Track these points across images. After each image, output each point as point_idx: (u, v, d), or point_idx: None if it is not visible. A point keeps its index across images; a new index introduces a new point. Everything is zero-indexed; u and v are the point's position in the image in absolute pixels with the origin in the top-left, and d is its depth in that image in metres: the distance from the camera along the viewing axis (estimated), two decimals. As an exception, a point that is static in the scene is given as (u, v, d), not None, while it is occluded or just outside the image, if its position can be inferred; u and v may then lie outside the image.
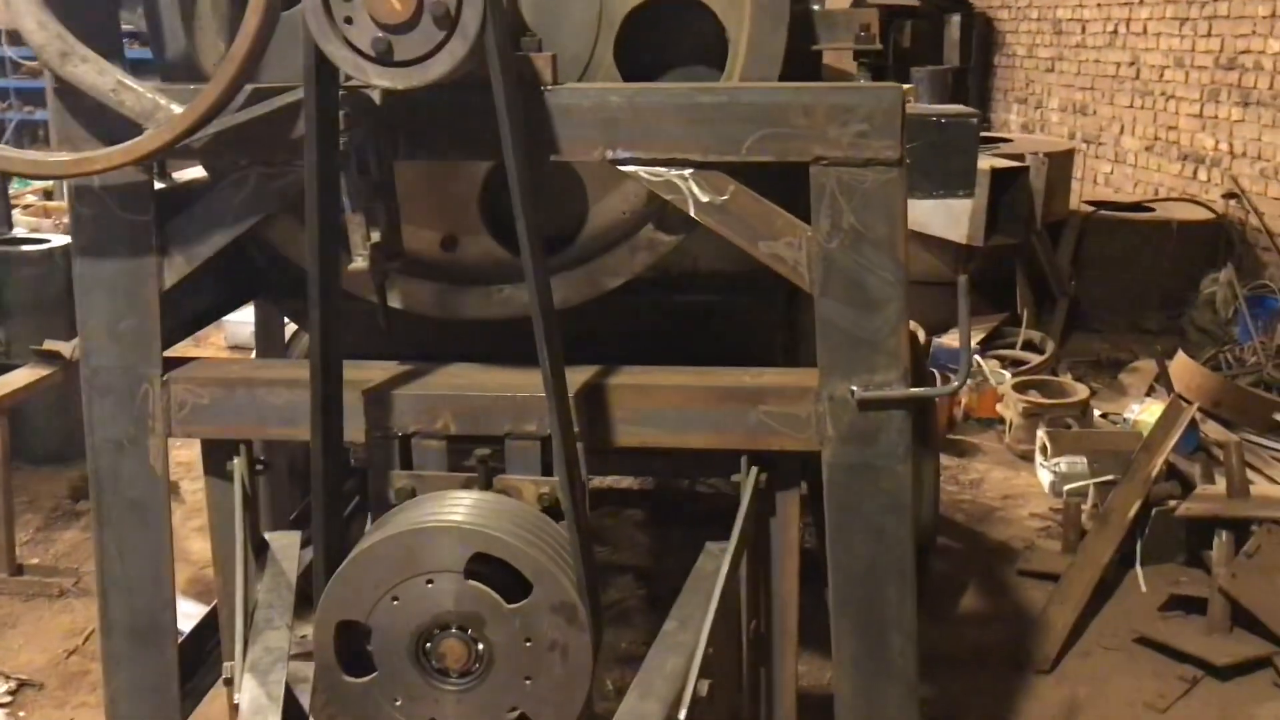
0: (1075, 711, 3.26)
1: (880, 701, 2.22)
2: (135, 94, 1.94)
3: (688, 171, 2.00)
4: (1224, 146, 7.56)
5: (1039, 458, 4.88)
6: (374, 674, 2.00)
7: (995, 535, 4.43)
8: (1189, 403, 4.51)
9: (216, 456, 2.29)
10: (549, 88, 1.98)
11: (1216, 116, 7.49)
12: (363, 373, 2.18)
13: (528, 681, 1.98)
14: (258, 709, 1.94)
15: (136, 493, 2.25)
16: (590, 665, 1.97)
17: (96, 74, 1.94)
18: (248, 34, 1.85)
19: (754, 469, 2.18)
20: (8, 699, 3.32)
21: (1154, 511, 3.94)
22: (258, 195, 2.09)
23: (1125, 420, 5.22)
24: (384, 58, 1.74)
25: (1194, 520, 3.87)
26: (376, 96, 1.97)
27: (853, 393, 2.08)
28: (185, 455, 4.80)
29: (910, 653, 2.21)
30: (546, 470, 2.11)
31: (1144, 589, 3.86)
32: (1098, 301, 7.07)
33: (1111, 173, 8.71)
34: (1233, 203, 7.34)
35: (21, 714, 3.27)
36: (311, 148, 1.82)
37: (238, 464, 2.25)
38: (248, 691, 1.97)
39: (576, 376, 2.14)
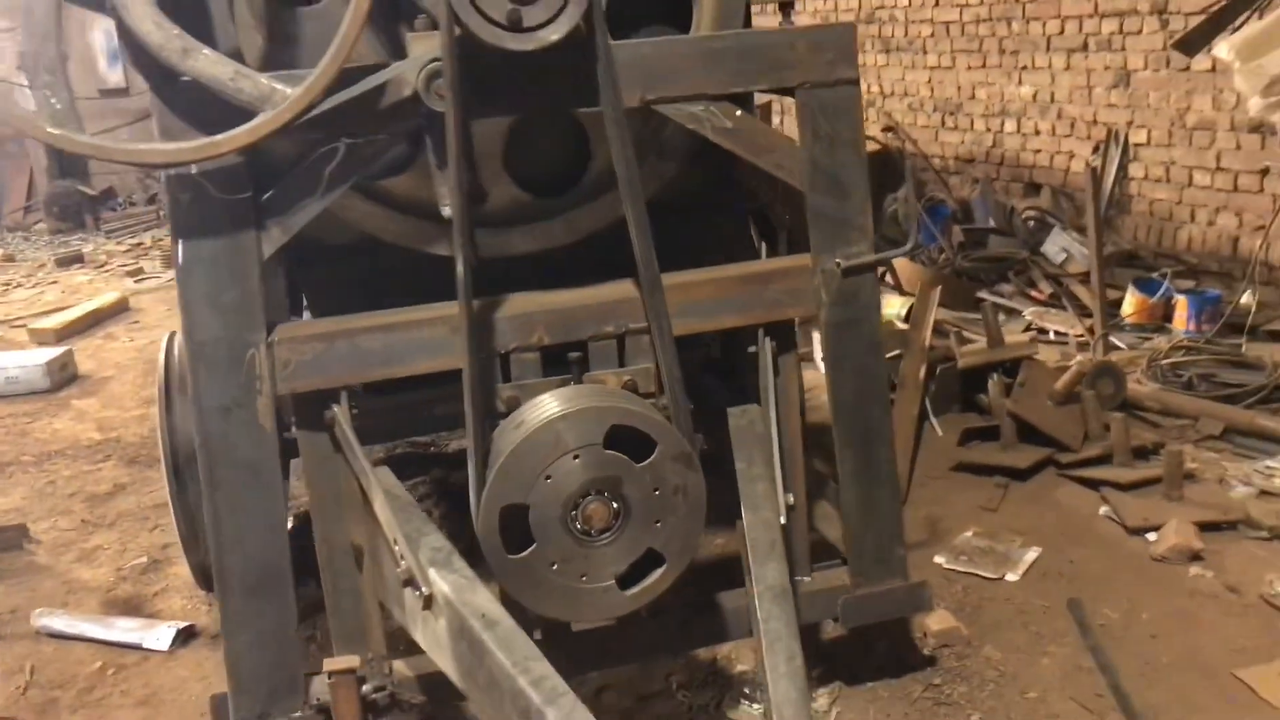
0: (936, 522, 4.10)
1: (873, 497, 2.87)
2: (252, 81, 2.18)
3: (704, 106, 2.52)
4: (875, 88, 8.94)
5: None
6: (533, 546, 2.38)
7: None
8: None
9: (309, 410, 2.52)
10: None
11: (865, 64, 8.84)
12: (451, 308, 2.50)
13: (658, 524, 2.44)
14: (461, 587, 2.26)
15: (247, 453, 2.44)
16: (704, 500, 2.46)
17: (215, 66, 2.16)
18: (357, 17, 2.16)
19: (768, 339, 2.75)
20: (-10, 739, 3.25)
21: (939, 370, 4.89)
22: (345, 166, 2.37)
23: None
24: (515, 25, 2.12)
25: (970, 370, 4.87)
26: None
27: (838, 264, 2.70)
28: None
29: (890, 457, 2.88)
30: (620, 363, 2.57)
31: (940, 433, 4.81)
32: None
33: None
34: (890, 134, 8.73)
35: (14, 748, 3.22)
36: (454, 110, 2.16)
37: (339, 410, 2.50)
38: (443, 580, 2.28)
39: (624, 287, 2.61)
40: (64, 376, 6.66)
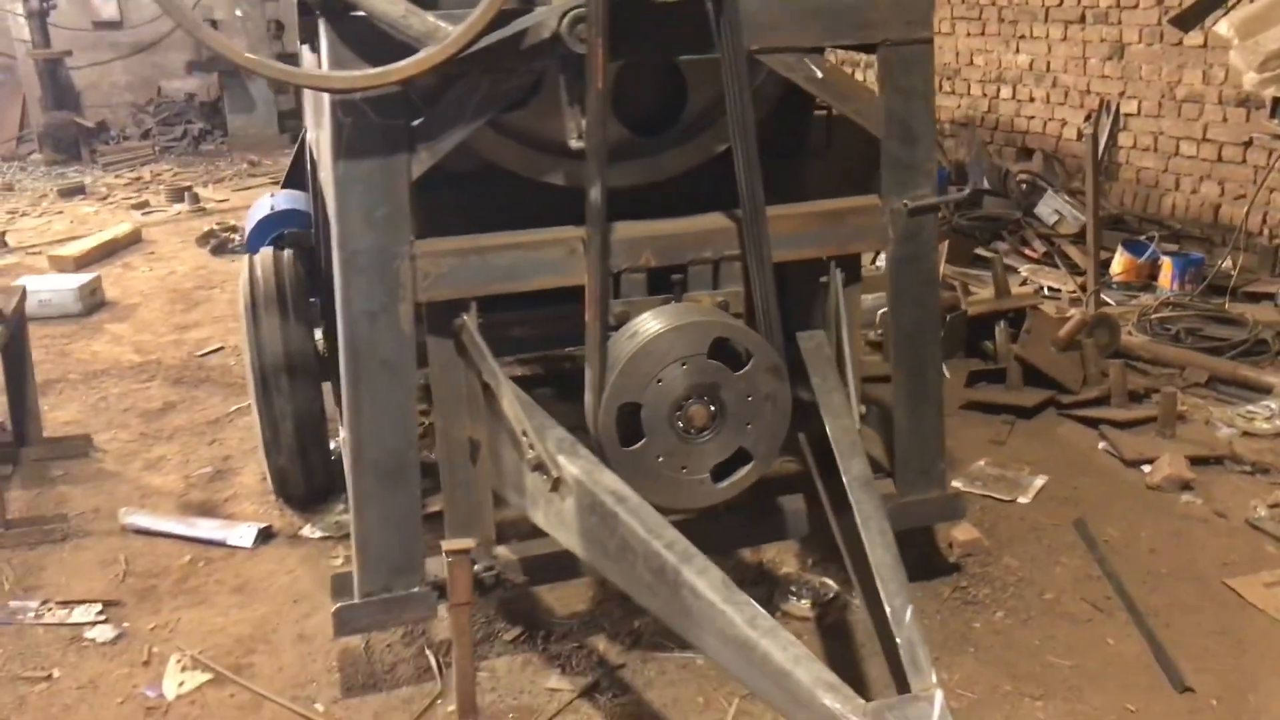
0: (950, 453, 4.44)
1: (922, 415, 3.22)
2: (420, 18, 2.45)
3: (799, 57, 2.83)
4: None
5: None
6: (643, 440, 2.71)
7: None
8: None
9: (439, 318, 2.81)
10: (707, 0, 2.72)
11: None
12: (572, 231, 2.80)
13: (749, 426, 2.78)
14: (589, 469, 2.58)
15: (388, 353, 2.74)
16: (790, 408, 2.81)
17: (388, 4, 2.43)
18: (513, -35, 2.44)
19: (838, 270, 3.08)
20: (100, 617, 3.53)
21: (947, 319, 5.26)
22: (490, 97, 2.65)
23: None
24: (656, -25, 2.42)
25: (977, 319, 5.24)
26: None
27: (905, 204, 3.04)
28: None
29: (938, 381, 3.24)
30: (714, 285, 2.90)
31: (948, 375, 5.18)
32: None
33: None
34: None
35: (125, 624, 3.51)
36: (596, 49, 2.45)
37: (468, 318, 2.80)
38: (571, 464, 2.60)
39: (717, 218, 2.92)
40: (94, 302, 6.86)
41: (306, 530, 4.06)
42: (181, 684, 3.21)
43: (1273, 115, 5.77)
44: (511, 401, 2.73)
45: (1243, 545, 3.77)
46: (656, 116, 3.05)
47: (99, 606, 3.57)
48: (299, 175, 5.43)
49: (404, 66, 2.44)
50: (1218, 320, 5.55)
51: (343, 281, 2.67)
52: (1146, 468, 4.26)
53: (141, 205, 9.80)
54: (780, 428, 2.81)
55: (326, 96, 2.73)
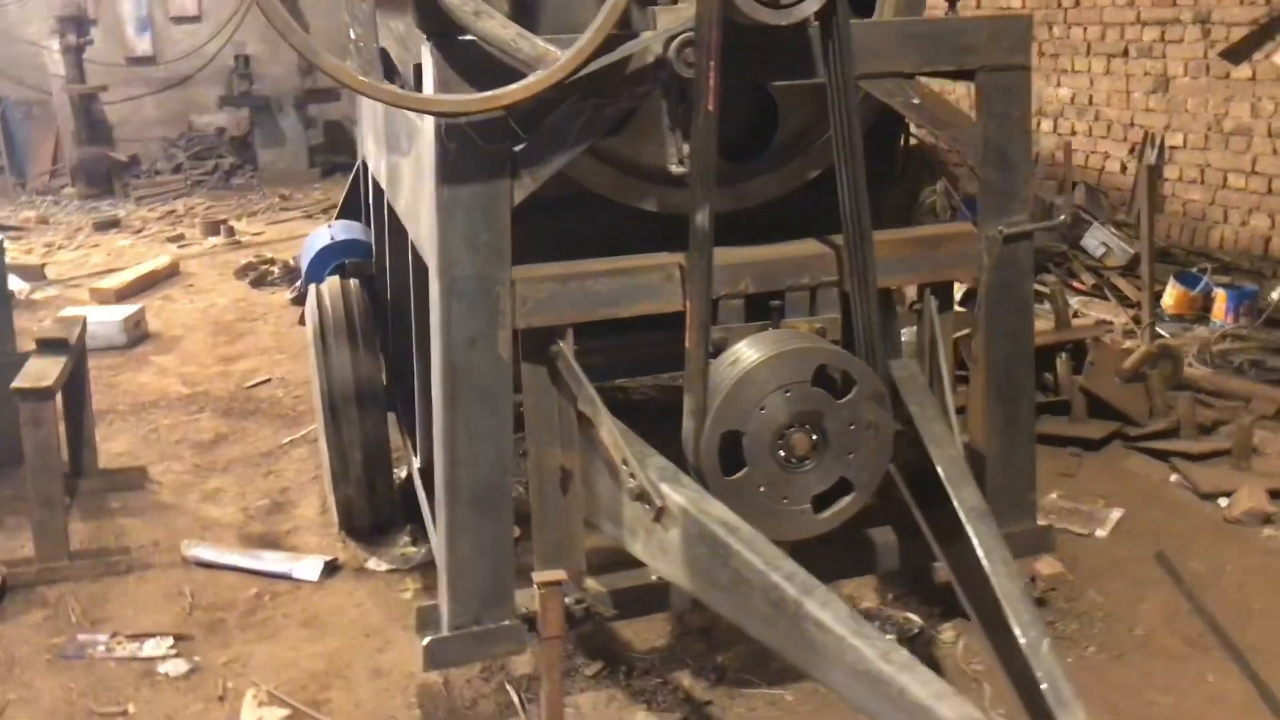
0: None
1: (1015, 446, 3.17)
2: (530, 42, 2.44)
3: (898, 82, 2.81)
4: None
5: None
6: (744, 469, 2.66)
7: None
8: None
9: (534, 345, 2.78)
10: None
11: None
12: (669, 257, 2.77)
13: (850, 456, 2.73)
14: (695, 499, 2.53)
15: (485, 380, 2.70)
16: (891, 436, 2.75)
17: (500, 28, 2.42)
18: (622, -9, 2.42)
19: (932, 297, 3.04)
20: (172, 651, 3.48)
21: (1007, 349, 5.20)
22: (592, 123, 2.63)
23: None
24: (773, 2, 2.40)
25: (1038, 350, 5.17)
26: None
27: (1000, 231, 3.00)
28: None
29: (1031, 412, 3.19)
30: (810, 312, 2.86)
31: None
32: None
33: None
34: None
35: (197, 658, 3.45)
36: (708, 73, 2.43)
37: (564, 346, 2.76)
38: (676, 494, 2.54)
39: (812, 245, 2.89)
40: (138, 334, 6.85)
41: (372, 563, 4.00)
42: (261, 719, 3.15)
43: (1331, 146, 5.74)
44: (610, 429, 2.68)
45: (1331, 580, 3.69)
46: (745, 142, 3.03)
47: (170, 640, 3.52)
48: (354, 206, 5.43)
49: (514, 90, 2.42)
50: (1278, 352, 5.48)
51: (442, 307, 2.64)
52: (1223, 501, 4.18)
53: (177, 238, 9.82)
54: (883, 457, 2.76)
55: (420, 122, 2.72)
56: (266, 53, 12.93)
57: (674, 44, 2.51)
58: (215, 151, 12.91)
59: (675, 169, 2.66)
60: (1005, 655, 2.30)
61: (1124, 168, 7.61)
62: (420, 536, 4.10)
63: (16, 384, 3.79)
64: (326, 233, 4.87)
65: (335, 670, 3.38)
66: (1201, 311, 6.29)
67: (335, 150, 13.41)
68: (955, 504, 2.61)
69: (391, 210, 4.02)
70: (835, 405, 2.68)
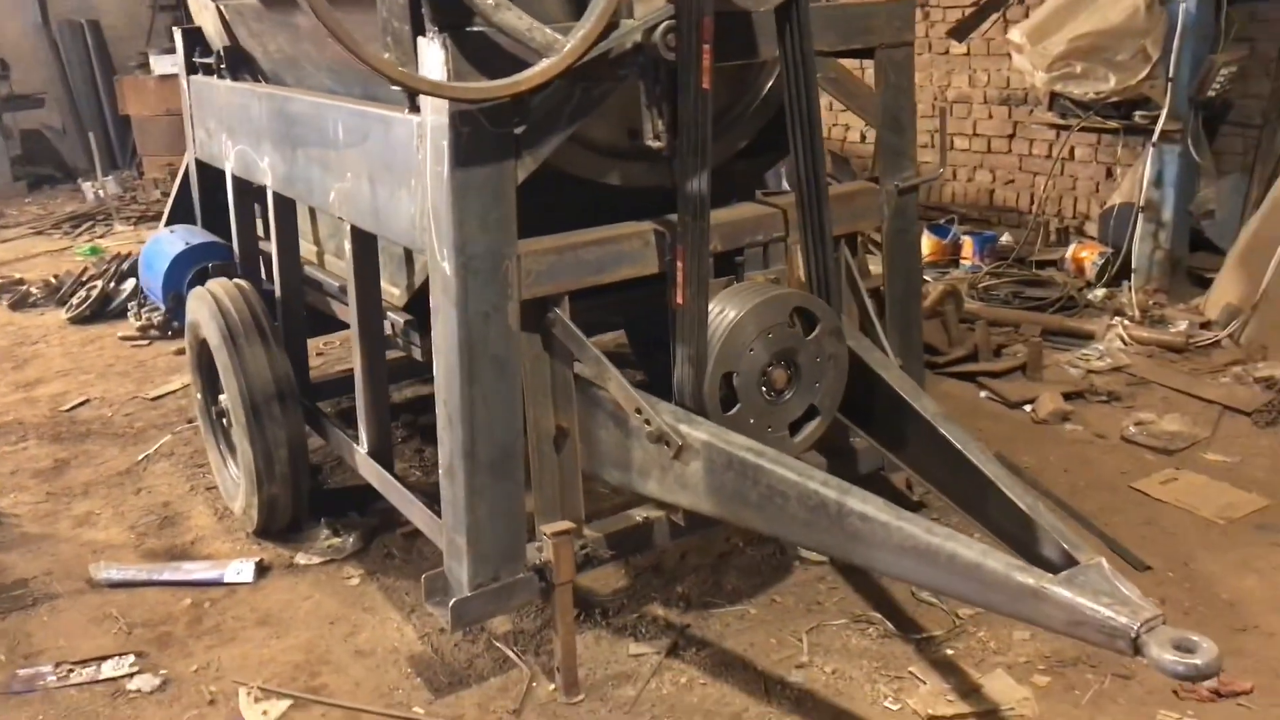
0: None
1: (911, 365, 3.67)
2: (542, 31, 2.65)
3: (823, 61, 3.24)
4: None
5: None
6: (738, 406, 3.02)
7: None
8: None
9: (532, 315, 2.99)
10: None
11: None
12: (647, 225, 3.06)
13: (816, 385, 3.15)
14: (716, 433, 2.85)
15: (498, 350, 2.89)
16: (846, 366, 3.20)
17: (516, 19, 2.62)
18: (617, -18, 2.70)
19: (843, 243, 3.51)
20: (134, 668, 3.39)
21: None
22: (581, 104, 2.88)
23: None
24: (752, -9, 2.75)
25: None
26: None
27: (896, 186, 3.52)
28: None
29: (920, 336, 3.74)
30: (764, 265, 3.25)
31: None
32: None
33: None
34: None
35: (163, 671, 3.38)
36: (700, 57, 2.74)
37: (560, 313, 2.99)
38: (697, 431, 2.86)
39: (760, 207, 3.28)
40: (-99, 369, 6.21)
41: (301, 558, 4.01)
42: (265, 713, 3.17)
43: (1050, 108, 6.79)
44: (620, 383, 2.95)
45: (1128, 457, 4.53)
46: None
47: (131, 657, 3.42)
48: (183, 210, 5.25)
49: (532, 75, 2.64)
50: (1030, 284, 6.47)
51: (458, 284, 2.80)
52: (1028, 407, 4.99)
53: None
54: (840, 384, 3.19)
55: (404, 114, 2.87)
56: (-53, 56, 11.71)
57: (658, 30, 2.80)
58: (-107, 169, 11.55)
59: (652, 144, 2.96)
60: (998, 527, 2.79)
61: (863, 137, 8.52)
62: (341, 528, 4.16)
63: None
64: (175, 239, 4.70)
65: (317, 658, 3.42)
66: (952, 257, 7.25)
67: (36, 162, 12.36)
68: (919, 410, 3.09)
69: (283, 207, 4.03)
70: (805, 342, 3.09)
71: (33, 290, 7.53)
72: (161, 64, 11.01)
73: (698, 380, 2.97)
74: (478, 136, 2.74)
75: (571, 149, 3.12)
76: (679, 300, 2.97)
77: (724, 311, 3.01)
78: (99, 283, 7.21)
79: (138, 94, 11.13)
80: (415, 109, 2.88)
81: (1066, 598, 2.26)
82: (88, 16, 12.36)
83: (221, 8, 4.36)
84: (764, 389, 3.07)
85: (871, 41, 3.33)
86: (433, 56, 2.69)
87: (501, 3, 2.60)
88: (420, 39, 2.71)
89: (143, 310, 6.76)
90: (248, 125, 4.17)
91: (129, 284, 7.18)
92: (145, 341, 6.57)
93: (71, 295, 7.24)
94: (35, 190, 11.74)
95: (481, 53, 2.69)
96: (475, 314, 2.84)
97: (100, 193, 10.81)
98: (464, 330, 2.83)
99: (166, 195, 10.13)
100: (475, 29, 2.68)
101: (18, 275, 8.02)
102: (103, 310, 7.06)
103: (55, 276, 7.73)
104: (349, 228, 3.46)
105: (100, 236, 9.48)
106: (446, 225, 2.78)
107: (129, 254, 7.71)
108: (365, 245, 3.48)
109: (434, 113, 2.75)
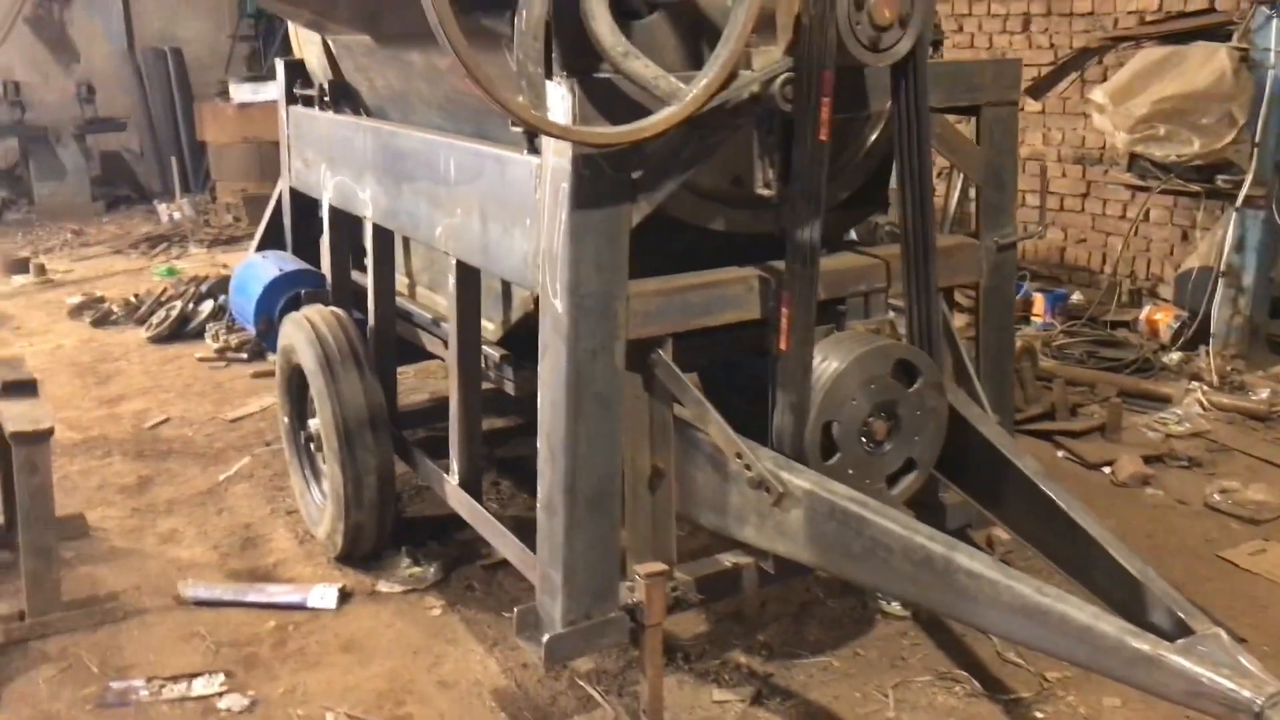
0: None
1: (1005, 420, 3.68)
2: (667, 80, 2.71)
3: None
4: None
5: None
6: (838, 455, 3.03)
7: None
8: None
9: (636, 355, 3.02)
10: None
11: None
12: (750, 271, 3.09)
13: (916, 438, 3.15)
14: (818, 482, 2.86)
15: (603, 388, 2.92)
16: (946, 420, 3.20)
17: (644, 68, 2.68)
18: (740, 33, 2.75)
19: (941, 297, 3.51)
20: (224, 687, 3.43)
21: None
22: (696, 151, 2.92)
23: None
24: (874, 46, 2.79)
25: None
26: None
27: (996, 241, 3.53)
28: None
29: (1011, 390, 3.73)
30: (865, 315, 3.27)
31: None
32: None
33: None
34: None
35: (251, 692, 3.42)
36: (819, 109, 2.78)
37: (663, 353, 3.02)
38: (799, 479, 2.87)
39: (863, 258, 3.30)
40: (-11, 380, 6.35)
41: (382, 586, 4.05)
42: (353, 739, 3.20)
43: (1129, 169, 6.77)
44: (720, 426, 2.97)
45: (1212, 525, 4.47)
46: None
47: (221, 676, 3.47)
48: (275, 237, 5.36)
49: (655, 123, 2.68)
50: (1104, 344, 6.43)
51: (570, 323, 2.84)
52: (1107, 469, 4.94)
53: (-23, 280, 9.06)
54: (939, 438, 3.19)
55: (522, 155, 2.93)
56: (37, 79, 12.08)
57: (777, 81, 2.84)
58: (-19, 186, 11.92)
59: (763, 192, 3.00)
60: (1103, 590, 2.76)
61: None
62: (421, 558, 4.20)
63: (14, 428, 3.60)
64: (268, 264, 4.81)
65: (401, 687, 3.45)
66: (1023, 313, 7.21)
67: (114, 183, 12.70)
68: (1020, 467, 3.07)
69: (382, 239, 4.12)
70: (906, 394, 3.10)
71: (114, 309, 7.71)
72: (241, 92, 11.29)
73: (798, 428, 2.99)
74: (597, 180, 2.79)
75: (679, 193, 3.16)
76: (782, 346, 2.99)
77: (827, 360, 3.03)
78: (178, 303, 7.37)
79: (216, 120, 11.41)
80: (535, 150, 2.94)
81: (1186, 667, 2.24)
82: (171, 44, 12.73)
83: (329, 42, 4.48)
84: (864, 439, 3.08)
85: (978, 99, 3.36)
86: (560, 100, 2.75)
87: (630, 51, 2.66)
88: (548, 83, 2.77)
89: (221, 332, 6.89)
90: (349, 157, 4.27)
91: (206, 306, 7.34)
92: (223, 363, 6.70)
93: (151, 314, 7.40)
94: (112, 210, 12.04)
95: (603, 98, 2.75)
96: (584, 352, 2.88)
97: (175, 215, 11.07)
98: (572, 367, 2.87)
99: (238, 219, 10.39)
100: (601, 75, 2.74)
101: (99, 293, 8.21)
102: (181, 330, 7.21)
103: (135, 295, 7.91)
104: (454, 262, 3.52)
105: (176, 258, 9.69)
106: (563, 265, 2.83)
107: (206, 276, 7.89)
108: (469, 281, 3.54)
109: (555, 155, 2.81)
